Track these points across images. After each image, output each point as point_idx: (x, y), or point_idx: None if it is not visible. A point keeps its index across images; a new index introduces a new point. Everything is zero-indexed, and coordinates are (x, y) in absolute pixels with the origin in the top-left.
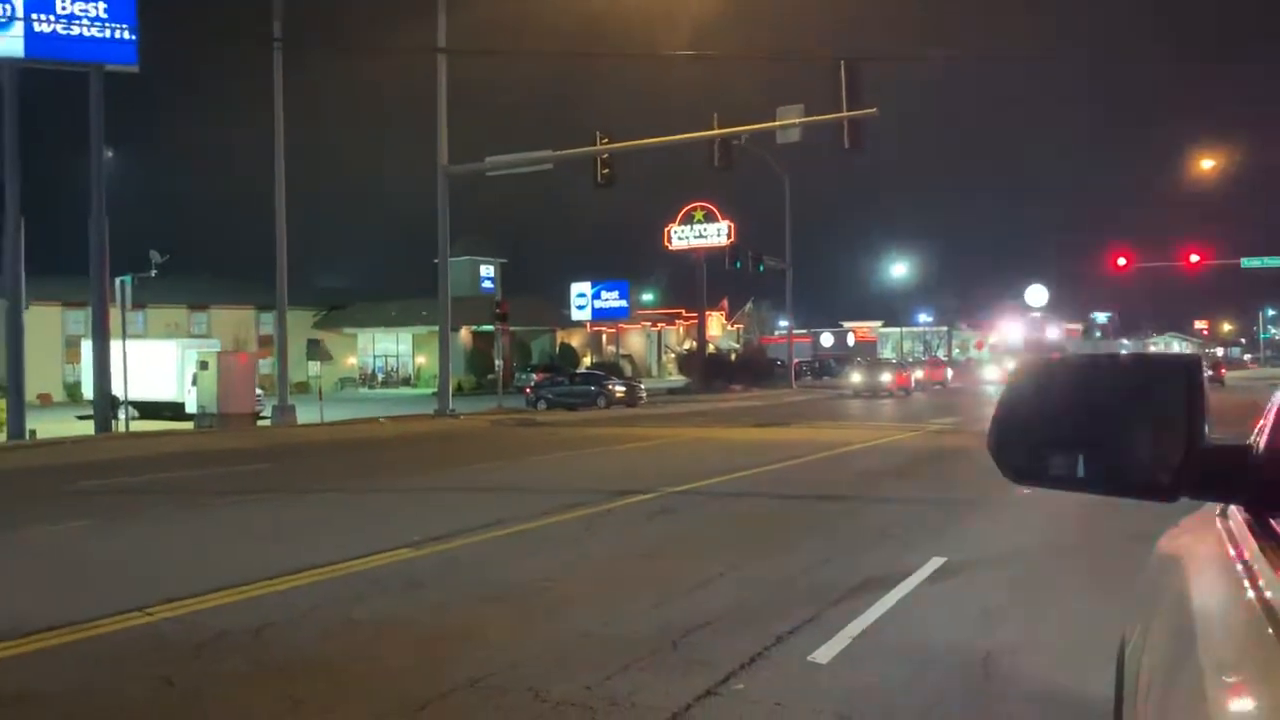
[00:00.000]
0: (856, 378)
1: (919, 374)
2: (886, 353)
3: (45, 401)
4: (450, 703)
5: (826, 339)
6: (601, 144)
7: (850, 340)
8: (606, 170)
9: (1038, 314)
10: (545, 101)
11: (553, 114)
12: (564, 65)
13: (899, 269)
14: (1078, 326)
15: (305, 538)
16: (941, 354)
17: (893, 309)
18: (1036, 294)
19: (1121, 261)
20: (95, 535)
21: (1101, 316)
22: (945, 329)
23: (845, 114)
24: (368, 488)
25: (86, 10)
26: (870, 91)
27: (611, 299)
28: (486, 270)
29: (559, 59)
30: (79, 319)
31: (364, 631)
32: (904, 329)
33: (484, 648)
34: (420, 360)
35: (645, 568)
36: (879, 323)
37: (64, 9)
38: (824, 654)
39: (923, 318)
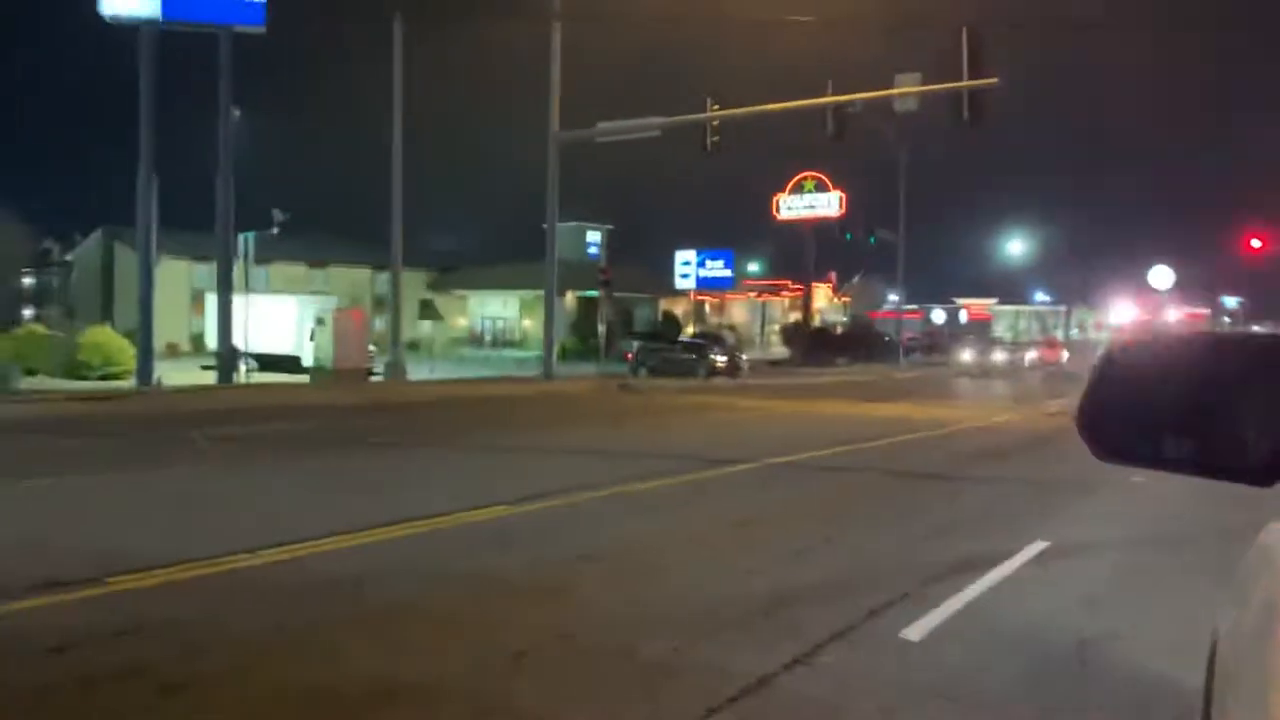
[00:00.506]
0: (967, 355)
1: (1033, 354)
2: (1001, 331)
3: (173, 351)
4: (542, 656)
5: (938, 315)
6: (712, 110)
7: (963, 318)
8: (715, 138)
9: (1162, 296)
10: (657, 68)
11: (664, 81)
12: (676, 32)
13: (1016, 245)
14: (1204, 310)
15: (408, 491)
16: (1059, 334)
17: (1009, 286)
18: (1161, 275)
19: (1256, 244)
20: (214, 479)
21: (1231, 301)
22: (1064, 308)
23: (966, 83)
24: (470, 445)
25: None
26: (993, 61)
27: (716, 268)
28: (593, 236)
29: (671, 26)
30: (206, 273)
31: (461, 583)
32: (1020, 307)
33: (577, 605)
34: (526, 323)
35: (741, 536)
36: (994, 300)
37: None
38: (916, 631)
39: (1040, 296)
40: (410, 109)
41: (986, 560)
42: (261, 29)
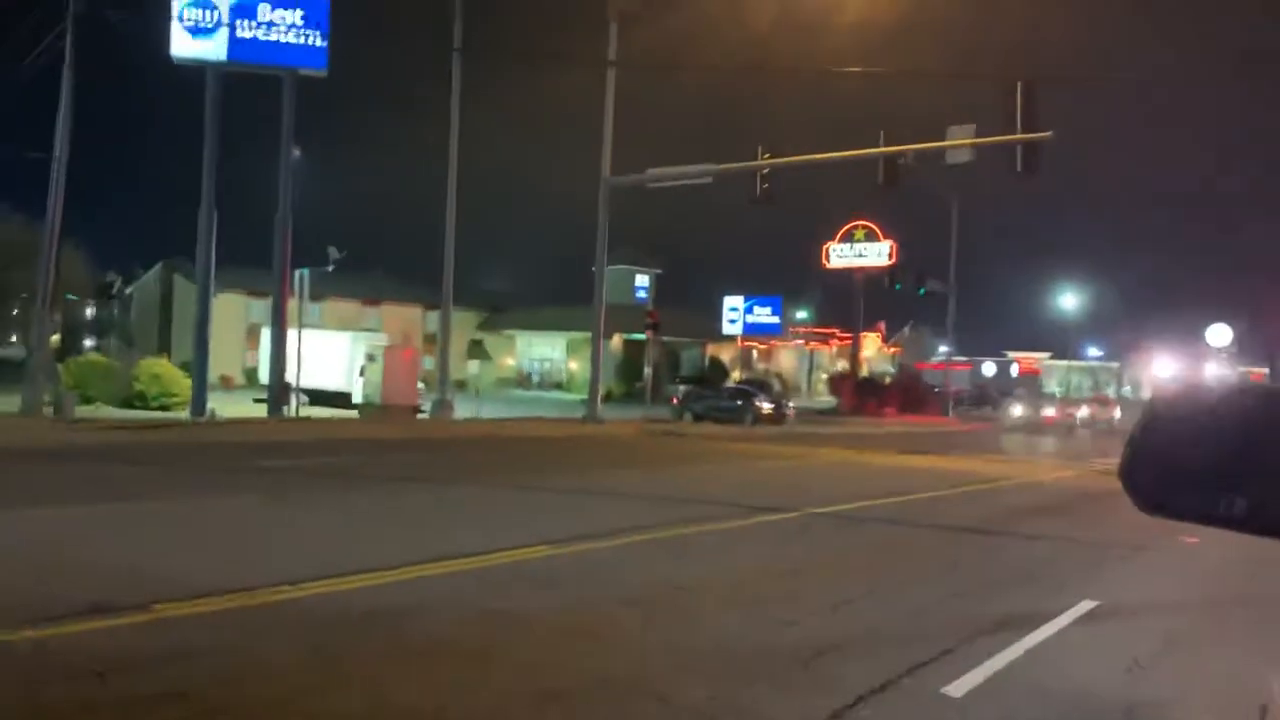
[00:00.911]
0: (1017, 410)
1: (1085, 410)
2: (1052, 386)
3: (226, 383)
4: (577, 699)
5: (988, 368)
6: (763, 159)
7: (1014, 371)
8: (766, 186)
9: (1214, 352)
10: (709, 116)
11: (716, 128)
12: (730, 80)
13: (1069, 300)
14: (1263, 370)
15: (450, 528)
16: (1112, 390)
17: (1061, 341)
18: (1219, 333)
19: None
20: (261, 510)
21: None
22: (1116, 365)
23: (1020, 136)
24: (514, 484)
25: (284, 18)
26: (1048, 114)
27: (764, 314)
28: (641, 280)
29: (725, 74)
30: (261, 308)
31: (500, 621)
32: (1072, 362)
33: (614, 648)
34: (573, 365)
35: (782, 584)
36: (1045, 354)
37: (264, 16)
38: (957, 688)
39: (1092, 351)
40: (466, 150)
41: (1031, 618)
42: (323, 72)
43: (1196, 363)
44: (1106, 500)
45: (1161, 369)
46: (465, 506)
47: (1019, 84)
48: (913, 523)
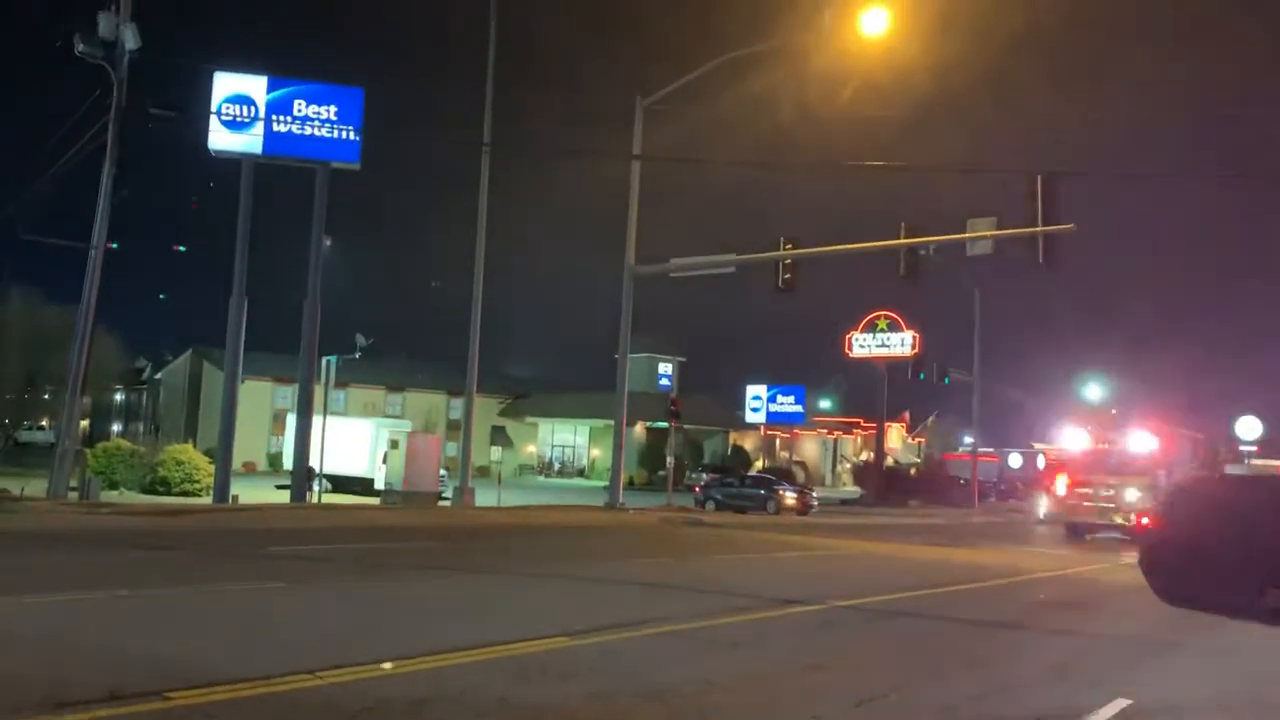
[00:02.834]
0: (1045, 503)
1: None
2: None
3: (249, 469)
4: None
5: (1015, 459)
6: (785, 249)
7: (1041, 462)
8: (788, 275)
9: (1249, 448)
10: (732, 205)
11: (738, 218)
12: (752, 172)
13: (1094, 391)
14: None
15: (470, 616)
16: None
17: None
18: (1249, 426)
19: None
20: (279, 597)
21: None
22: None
23: (1040, 229)
24: (535, 572)
25: (319, 113)
26: (1068, 205)
27: (787, 403)
28: (664, 368)
29: (747, 168)
30: (286, 394)
31: (518, 714)
32: None
33: None
34: (595, 452)
35: (805, 680)
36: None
37: (299, 111)
38: None
39: None
40: (492, 238)
41: (1064, 717)
42: (356, 165)
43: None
44: (1137, 594)
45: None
46: (485, 595)
47: (1039, 177)
48: (940, 617)
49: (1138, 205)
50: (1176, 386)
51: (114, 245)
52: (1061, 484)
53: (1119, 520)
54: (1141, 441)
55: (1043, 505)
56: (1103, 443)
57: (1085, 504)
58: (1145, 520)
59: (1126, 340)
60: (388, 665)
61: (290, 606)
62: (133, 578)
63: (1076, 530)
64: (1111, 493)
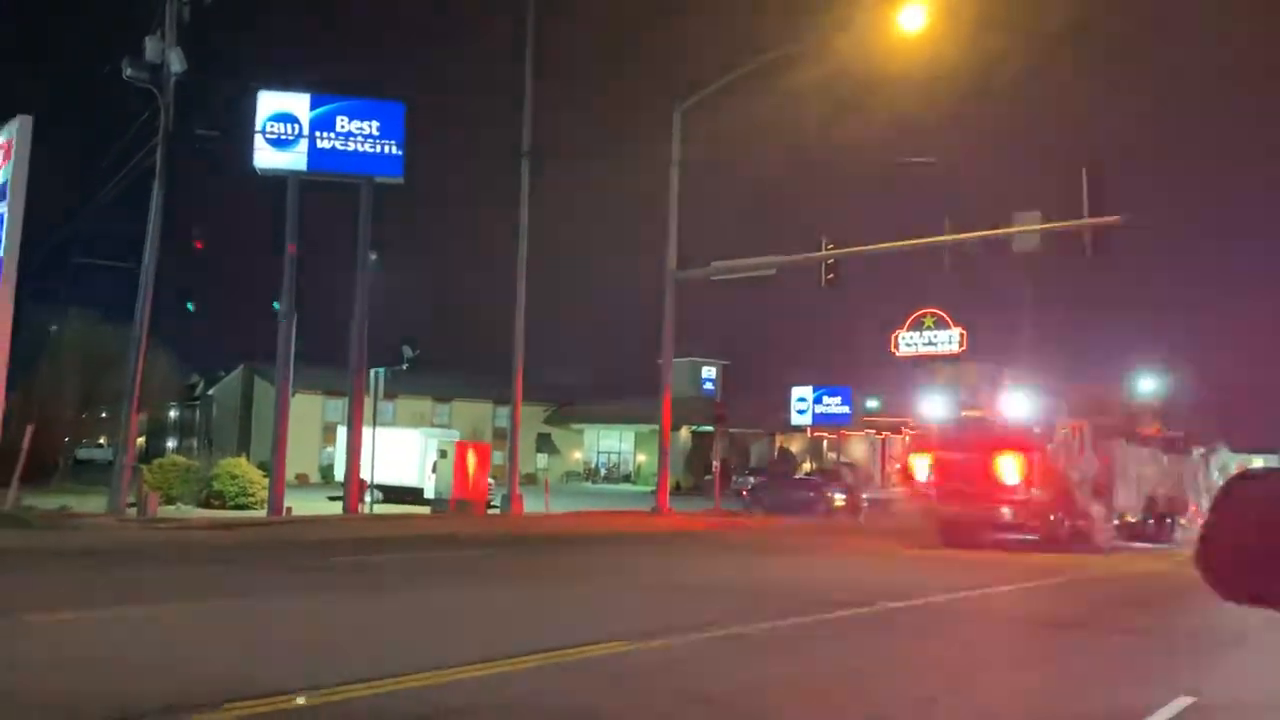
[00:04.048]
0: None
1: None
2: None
3: (302, 481)
4: None
5: None
6: (827, 249)
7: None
8: (831, 275)
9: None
10: (772, 205)
11: (779, 217)
12: (792, 173)
13: (1147, 383)
14: None
15: (523, 623)
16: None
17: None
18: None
19: None
20: (333, 607)
21: None
22: (1202, 450)
23: (1088, 221)
24: (583, 579)
25: (362, 129)
26: (1117, 196)
27: (833, 404)
28: (708, 372)
29: (788, 167)
30: (336, 406)
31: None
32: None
33: None
34: (641, 458)
35: (859, 683)
36: (1124, 440)
37: (343, 128)
38: None
39: None
40: (534, 246)
41: (1126, 716)
42: (400, 179)
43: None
44: (1197, 591)
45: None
46: (536, 601)
47: (1084, 169)
48: (994, 616)
49: (1198, 193)
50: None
51: (190, 307)
52: (923, 468)
53: (1007, 515)
54: (1021, 405)
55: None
56: (976, 409)
57: (960, 493)
58: (1054, 518)
59: (1185, 332)
60: (443, 673)
61: (348, 617)
62: (190, 591)
63: (955, 529)
64: (992, 477)
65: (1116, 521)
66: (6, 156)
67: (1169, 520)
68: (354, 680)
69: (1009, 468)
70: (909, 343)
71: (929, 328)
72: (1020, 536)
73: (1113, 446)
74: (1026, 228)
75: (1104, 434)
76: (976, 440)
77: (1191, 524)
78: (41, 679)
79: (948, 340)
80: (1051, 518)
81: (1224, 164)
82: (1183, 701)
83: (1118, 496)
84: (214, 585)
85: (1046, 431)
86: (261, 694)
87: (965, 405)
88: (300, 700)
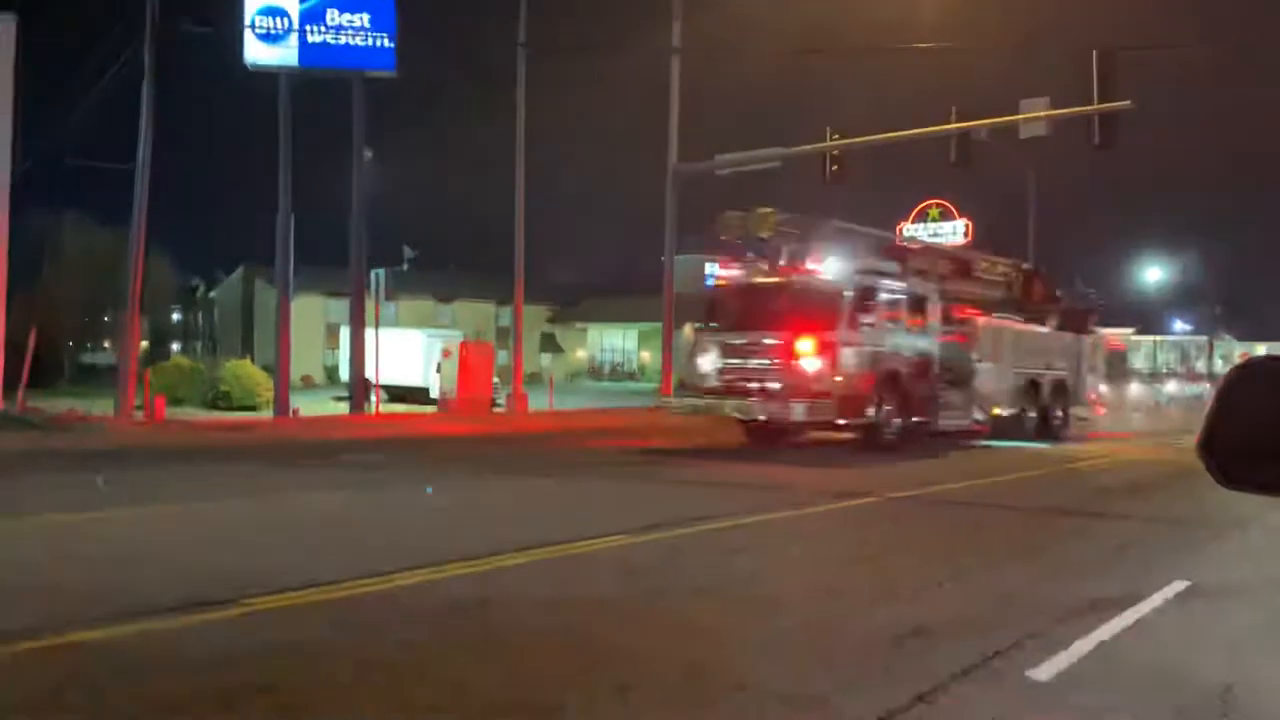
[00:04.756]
0: (1103, 388)
1: (1173, 386)
2: (1138, 363)
3: (307, 383)
4: (656, 687)
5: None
6: (832, 140)
7: None
8: (836, 167)
9: None
10: (776, 99)
11: (784, 112)
12: (795, 63)
13: (1154, 273)
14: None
15: (531, 518)
16: (1200, 365)
17: (1147, 316)
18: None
19: None
20: (346, 505)
21: None
22: (1205, 338)
23: (1096, 107)
24: (589, 475)
25: (352, 21)
26: (1126, 81)
27: None
28: (713, 268)
29: (790, 57)
30: (339, 307)
31: (581, 611)
32: (1158, 337)
33: (694, 638)
34: (645, 355)
35: (863, 570)
36: (1130, 330)
37: (333, 21)
38: (1044, 672)
39: (1179, 325)
40: (533, 144)
41: (1120, 600)
42: (392, 73)
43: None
44: (1193, 478)
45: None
46: (542, 497)
47: (1094, 52)
48: (997, 505)
49: (1204, 76)
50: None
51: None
52: (707, 351)
53: (798, 413)
54: (834, 267)
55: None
56: (769, 271)
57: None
58: (879, 408)
59: (1191, 221)
60: (454, 567)
61: (359, 514)
62: (202, 491)
63: (768, 431)
64: (783, 362)
65: (980, 415)
66: None
67: (1059, 414)
68: (369, 575)
69: (801, 349)
70: (914, 234)
71: (934, 219)
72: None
73: (974, 323)
74: (1033, 115)
75: (959, 305)
76: (762, 313)
77: (1091, 416)
78: (60, 573)
79: (952, 231)
80: (870, 412)
81: (1233, 48)
82: (1178, 586)
83: (980, 384)
84: (223, 484)
85: (861, 300)
86: (278, 589)
87: (752, 265)
88: (317, 595)
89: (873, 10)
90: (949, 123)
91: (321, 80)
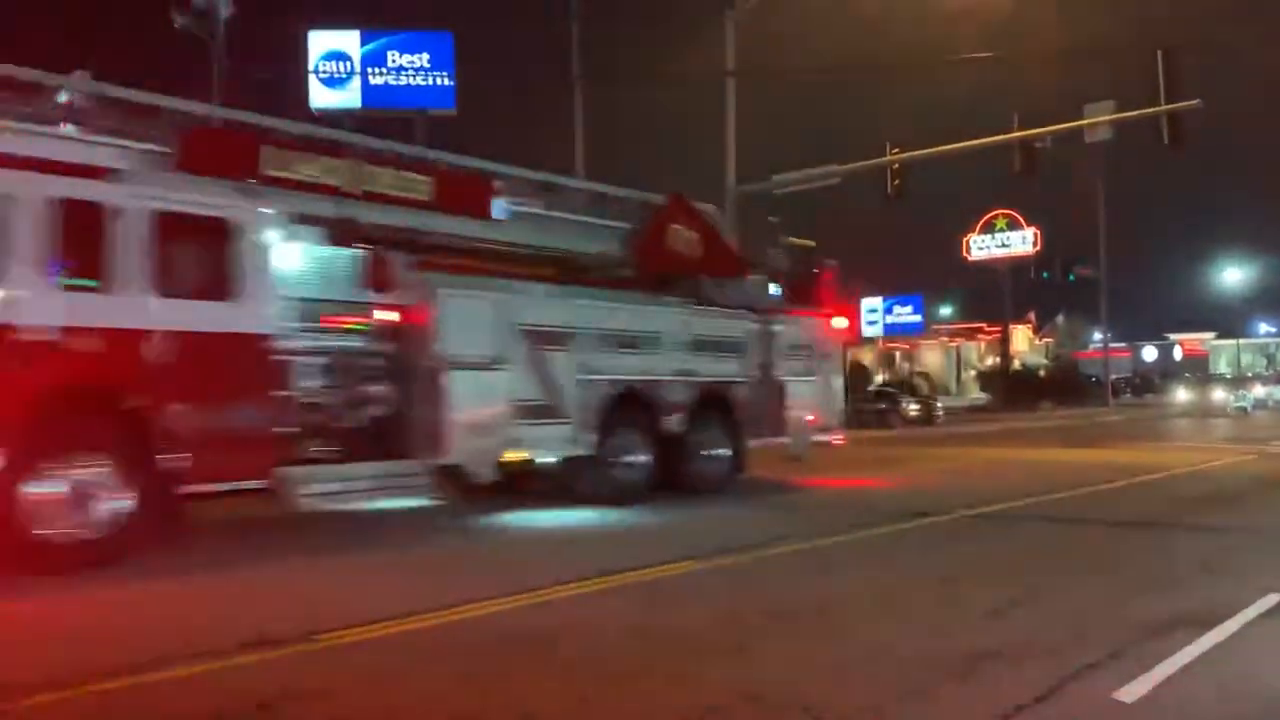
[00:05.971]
0: (1183, 395)
1: (1259, 391)
2: (1220, 368)
3: None
4: (724, 714)
5: (1149, 353)
6: (891, 154)
7: (1177, 354)
8: (898, 182)
9: None
10: (833, 115)
11: (842, 128)
12: (851, 79)
13: (1234, 274)
14: None
15: (598, 546)
16: None
17: (1228, 320)
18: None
19: None
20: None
21: None
22: None
23: (1164, 108)
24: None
25: (413, 62)
26: (1194, 79)
27: (905, 314)
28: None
29: (846, 73)
30: None
31: (653, 638)
32: (1241, 341)
33: (765, 663)
34: None
35: (936, 591)
36: (1210, 335)
37: (394, 62)
38: (1129, 693)
39: (1264, 328)
40: (593, 170)
41: (1209, 616)
42: (452, 111)
43: None
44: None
45: None
46: (606, 523)
47: (1159, 52)
48: (1074, 519)
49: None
50: None
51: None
52: None
53: None
54: None
55: (1180, 397)
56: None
57: None
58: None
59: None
60: (524, 597)
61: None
62: None
63: None
64: None
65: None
66: None
67: (716, 452)
68: (420, 610)
69: None
70: (981, 246)
71: (1001, 229)
72: None
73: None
74: (1098, 119)
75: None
76: None
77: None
78: None
79: (1021, 241)
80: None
81: None
82: (1271, 599)
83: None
84: None
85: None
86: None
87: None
88: (387, 629)
89: (908, 30)
90: (1010, 131)
91: (386, 119)
